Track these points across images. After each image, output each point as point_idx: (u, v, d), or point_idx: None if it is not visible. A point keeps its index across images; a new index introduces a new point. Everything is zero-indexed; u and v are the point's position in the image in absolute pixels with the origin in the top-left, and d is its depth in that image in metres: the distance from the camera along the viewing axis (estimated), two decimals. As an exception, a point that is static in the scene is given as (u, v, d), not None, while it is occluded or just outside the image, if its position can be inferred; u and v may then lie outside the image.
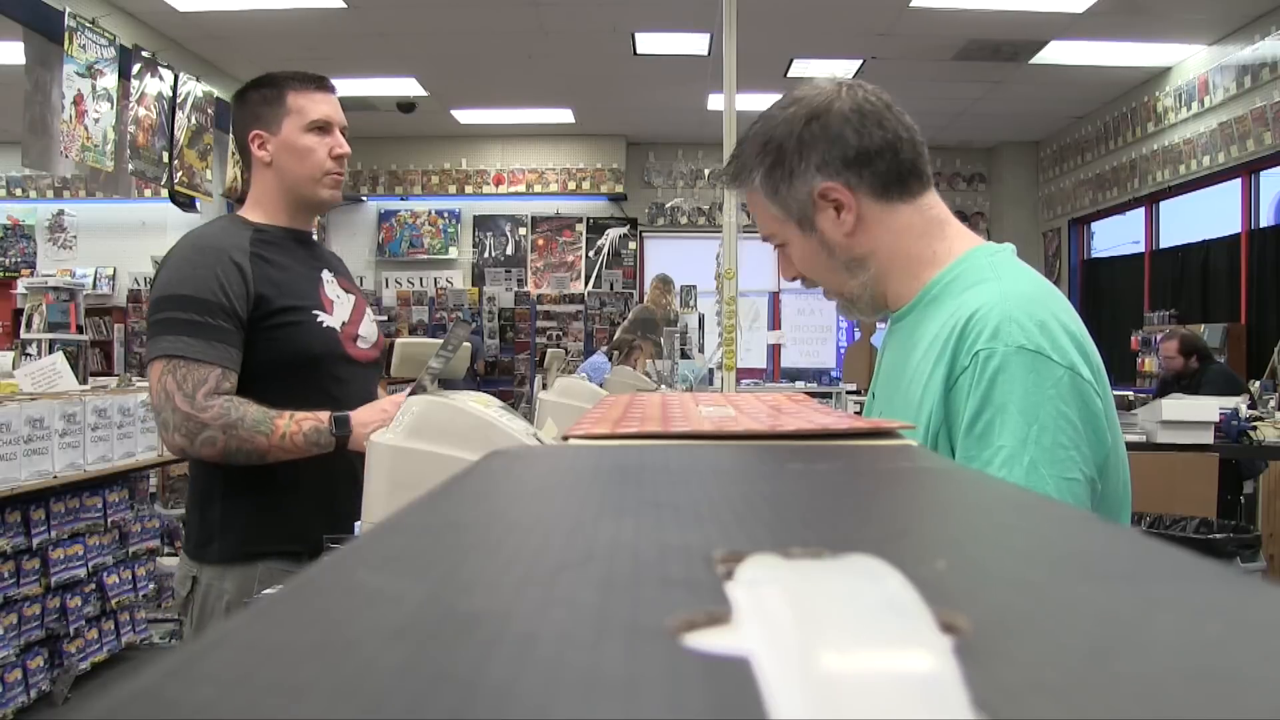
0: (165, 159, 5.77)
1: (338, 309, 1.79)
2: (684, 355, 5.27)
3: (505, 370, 9.57)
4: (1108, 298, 8.94)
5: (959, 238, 1.19)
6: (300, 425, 1.64)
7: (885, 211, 1.16)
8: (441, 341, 1.13)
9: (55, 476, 3.27)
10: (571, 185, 9.83)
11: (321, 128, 1.78)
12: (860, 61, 7.46)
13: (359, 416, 1.66)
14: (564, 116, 9.17)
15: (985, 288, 1.09)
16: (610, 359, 4.97)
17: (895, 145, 1.14)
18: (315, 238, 1.94)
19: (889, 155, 1.14)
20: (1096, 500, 1.04)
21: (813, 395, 1.21)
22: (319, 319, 1.75)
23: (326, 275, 1.82)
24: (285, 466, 1.67)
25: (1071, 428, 1.01)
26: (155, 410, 1.67)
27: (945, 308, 1.12)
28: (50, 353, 5.50)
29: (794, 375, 9.28)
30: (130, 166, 5.41)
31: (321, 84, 1.81)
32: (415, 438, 0.94)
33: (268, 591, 1.48)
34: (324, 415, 1.65)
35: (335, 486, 1.66)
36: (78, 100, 4.80)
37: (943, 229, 1.19)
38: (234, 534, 1.72)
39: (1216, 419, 4.21)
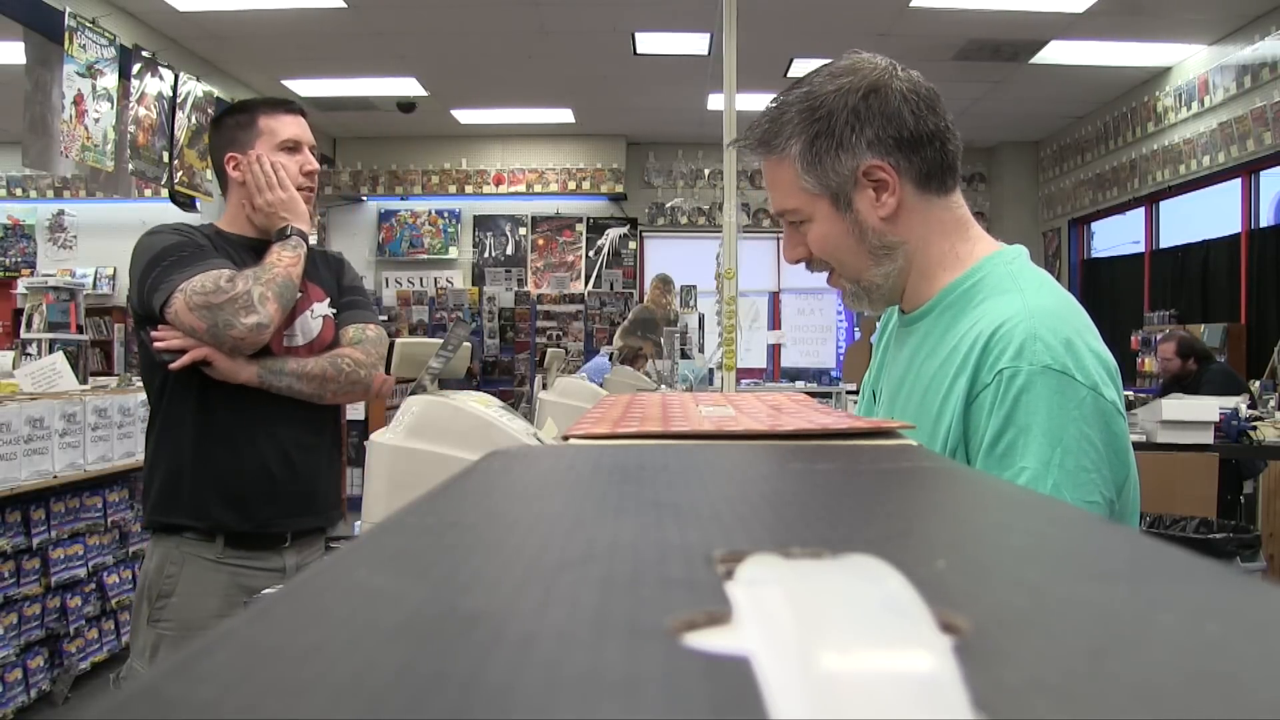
0: (165, 159, 5.77)
1: None
2: (684, 355, 5.27)
3: (505, 370, 9.57)
4: (1108, 297, 8.94)
5: (979, 241, 1.17)
6: (294, 257, 1.84)
7: (922, 202, 1.13)
8: (441, 342, 1.13)
9: (55, 476, 3.27)
10: (571, 185, 9.83)
11: (291, 147, 1.89)
12: (860, 61, 7.46)
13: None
14: (564, 116, 9.17)
15: (1007, 300, 1.07)
16: (610, 360, 4.97)
17: (945, 135, 1.12)
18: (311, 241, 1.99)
19: (938, 144, 1.11)
20: (1114, 520, 1.03)
21: (813, 395, 1.19)
22: None
23: None
24: (196, 440, 1.79)
25: (1094, 450, 1.00)
26: (205, 330, 1.72)
27: (965, 318, 1.10)
28: (50, 352, 5.51)
29: (794, 375, 9.29)
30: (130, 166, 5.40)
31: (290, 107, 1.94)
32: (415, 437, 0.94)
33: (268, 591, 1.48)
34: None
35: (243, 477, 1.79)
36: (78, 100, 4.80)
37: (966, 230, 1.17)
38: (150, 501, 1.84)
39: (1216, 419, 4.21)
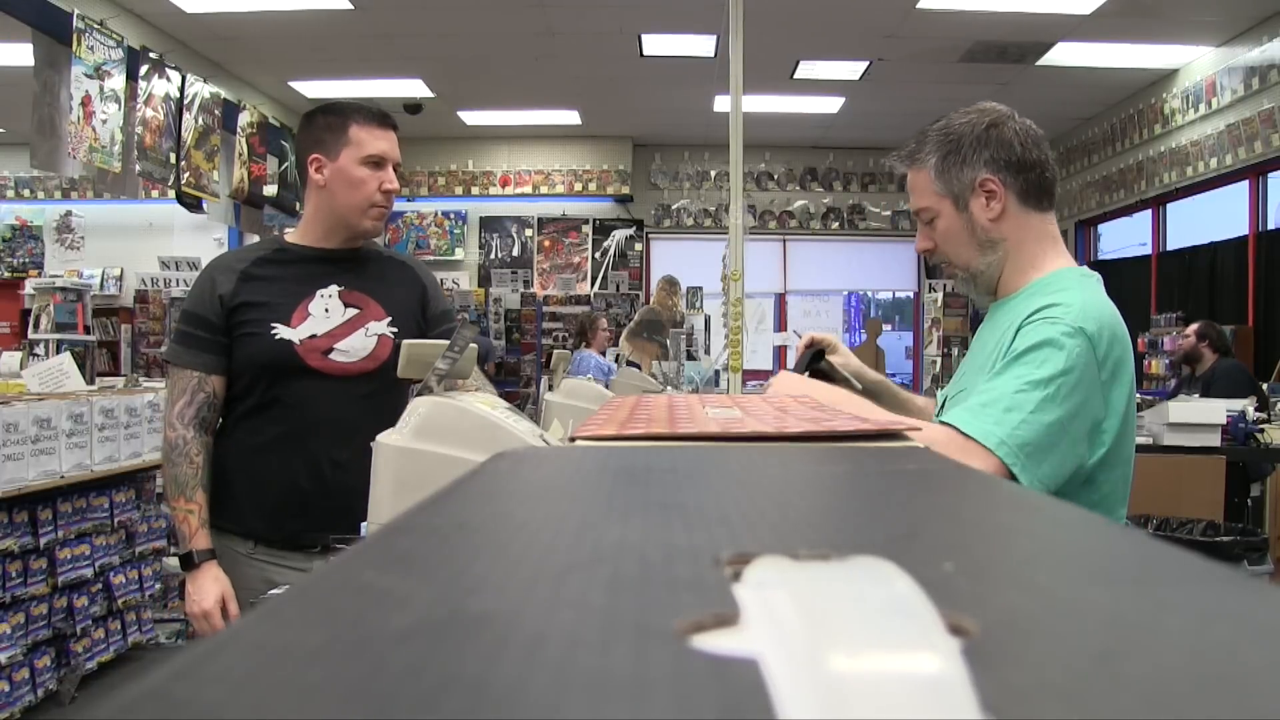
0: (172, 160, 5.79)
1: (314, 323, 1.84)
2: (690, 357, 5.27)
3: (511, 371, 9.57)
4: (1115, 300, 8.69)
5: (1062, 256, 1.48)
6: (185, 519, 1.81)
7: (1021, 213, 1.45)
8: (448, 343, 1.13)
9: (62, 476, 3.28)
10: (578, 187, 9.83)
11: (376, 162, 1.86)
12: (867, 63, 7.45)
13: (198, 580, 1.79)
14: (570, 118, 9.17)
15: (1069, 294, 1.36)
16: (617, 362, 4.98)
17: (1043, 166, 1.45)
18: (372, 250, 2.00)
19: (1038, 171, 1.44)
20: (1089, 465, 1.30)
21: (819, 397, 1.25)
22: (274, 332, 1.82)
23: (328, 290, 1.87)
24: (236, 451, 1.87)
25: (1094, 403, 1.27)
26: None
27: (1033, 301, 1.38)
28: (58, 353, 5.53)
29: (800, 377, 9.25)
30: (137, 167, 5.42)
31: (384, 121, 1.90)
32: (421, 438, 0.94)
33: (274, 591, 1.49)
34: (198, 537, 1.81)
35: (266, 491, 1.84)
36: (85, 101, 4.82)
37: (1055, 244, 1.48)
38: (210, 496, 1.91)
39: (1224, 422, 4.20)
